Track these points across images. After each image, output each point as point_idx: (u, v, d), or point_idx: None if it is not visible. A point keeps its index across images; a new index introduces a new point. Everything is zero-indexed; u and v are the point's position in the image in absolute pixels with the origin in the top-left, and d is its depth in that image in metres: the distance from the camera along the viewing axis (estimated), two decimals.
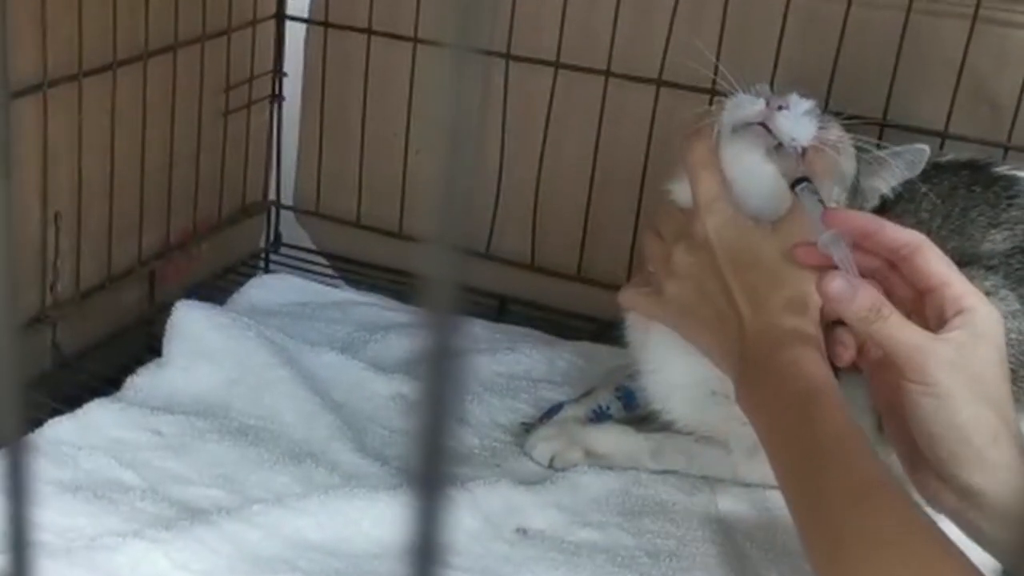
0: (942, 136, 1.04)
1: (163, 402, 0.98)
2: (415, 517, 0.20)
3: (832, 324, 0.80)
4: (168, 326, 1.03)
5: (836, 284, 0.73)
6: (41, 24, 0.96)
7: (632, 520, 0.90)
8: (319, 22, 1.28)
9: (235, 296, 1.20)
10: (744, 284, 0.81)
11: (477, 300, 1.24)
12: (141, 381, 1.00)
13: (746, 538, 0.89)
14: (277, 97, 1.32)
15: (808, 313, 0.79)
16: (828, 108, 0.93)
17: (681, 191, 0.89)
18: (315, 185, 1.33)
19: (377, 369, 1.06)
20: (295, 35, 1.31)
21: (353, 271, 1.33)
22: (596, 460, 0.96)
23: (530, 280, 1.25)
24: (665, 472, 0.96)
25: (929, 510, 0.75)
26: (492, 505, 0.87)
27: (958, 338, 0.73)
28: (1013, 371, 0.79)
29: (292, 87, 1.32)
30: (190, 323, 1.02)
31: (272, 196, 1.35)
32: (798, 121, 0.84)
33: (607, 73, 1.16)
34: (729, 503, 0.94)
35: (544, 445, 0.97)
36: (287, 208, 1.36)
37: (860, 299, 0.73)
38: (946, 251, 0.81)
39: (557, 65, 1.18)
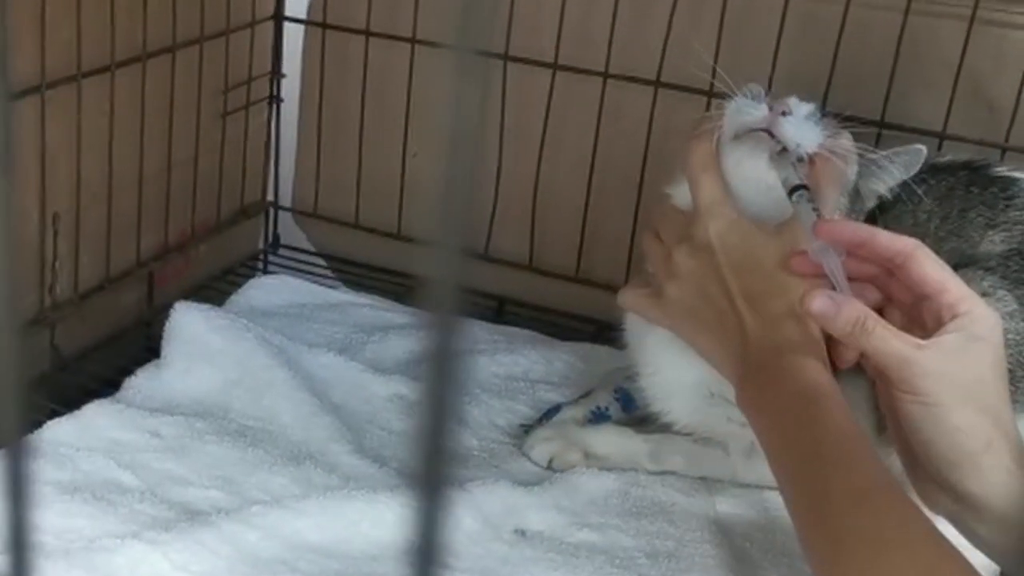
0: (940, 137, 1.04)
1: (162, 403, 0.98)
2: (415, 518, 0.20)
3: None
4: (167, 327, 1.03)
5: (818, 303, 0.74)
6: (40, 26, 0.96)
7: (631, 521, 0.90)
8: (317, 23, 1.28)
9: (233, 297, 1.20)
10: (746, 288, 0.81)
11: (476, 301, 1.24)
12: (140, 382, 1.00)
13: (744, 539, 0.89)
14: (275, 98, 1.32)
15: (809, 319, 0.79)
16: (826, 109, 0.93)
17: (680, 195, 0.89)
18: (313, 186, 1.33)
19: (376, 370, 1.06)
20: (293, 36, 1.31)
21: (351, 272, 1.34)
22: (595, 461, 0.96)
23: (529, 281, 1.25)
24: (664, 473, 0.96)
25: (928, 512, 0.76)
26: (491, 506, 0.87)
27: (948, 343, 0.73)
28: (1011, 372, 0.79)
29: (290, 88, 1.32)
30: (189, 324, 1.02)
31: (270, 197, 1.35)
32: (802, 126, 0.84)
33: (605, 74, 1.16)
34: (727, 504, 0.94)
35: (543, 446, 0.97)
36: (285, 209, 1.36)
37: (844, 315, 0.73)
38: (944, 252, 0.82)
39: (555, 66, 1.18)
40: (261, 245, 1.37)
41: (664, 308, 0.87)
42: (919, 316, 0.77)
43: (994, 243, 0.87)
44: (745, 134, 0.85)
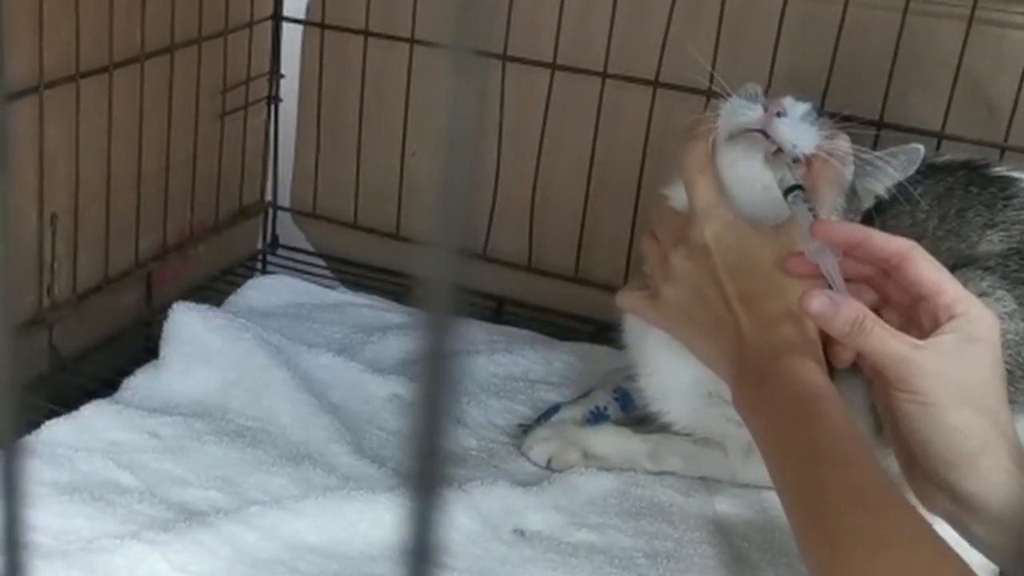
0: (939, 137, 1.04)
1: (160, 404, 0.98)
2: (410, 518, 0.20)
3: None
4: (165, 328, 1.03)
5: (817, 303, 0.74)
6: (38, 26, 0.96)
7: (630, 521, 0.90)
8: (316, 23, 1.28)
9: (232, 298, 1.20)
10: (742, 290, 0.81)
11: (474, 301, 1.24)
12: (138, 383, 1.00)
13: (743, 539, 0.89)
14: (274, 99, 1.32)
15: (806, 320, 0.79)
16: (824, 109, 0.93)
17: (677, 196, 0.89)
18: (312, 187, 1.33)
19: (374, 371, 1.06)
20: (292, 37, 1.31)
21: (350, 272, 1.33)
22: (593, 461, 0.96)
23: (527, 281, 1.25)
24: (662, 473, 0.96)
25: (925, 513, 0.76)
26: (490, 506, 0.87)
27: (945, 344, 0.73)
28: (1010, 372, 0.79)
29: (289, 89, 1.32)
30: (187, 325, 1.02)
31: (269, 198, 1.35)
32: (798, 127, 0.84)
33: (604, 74, 1.16)
34: (726, 504, 0.94)
35: (541, 446, 0.97)
36: (284, 210, 1.36)
37: (842, 315, 0.73)
38: (942, 252, 0.81)
39: (554, 67, 1.18)
40: (260, 245, 1.37)
41: (661, 310, 0.87)
42: (915, 317, 0.77)
43: (993, 243, 0.87)
44: (740, 135, 0.85)
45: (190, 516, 0.82)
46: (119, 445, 0.91)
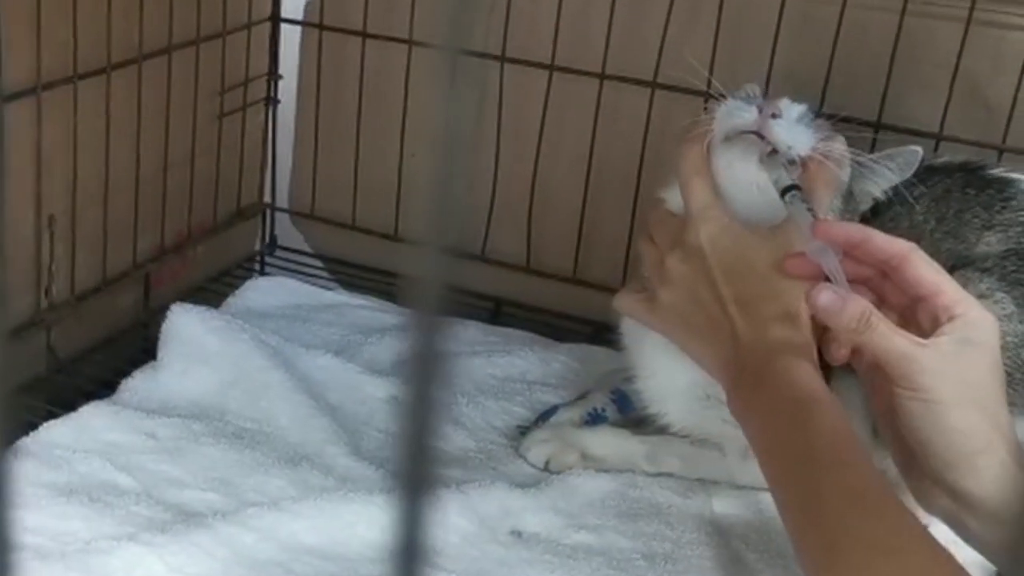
0: (937, 138, 1.04)
1: (158, 405, 0.98)
2: (398, 519, 0.20)
3: (827, 325, 0.80)
4: (163, 329, 1.03)
5: (824, 296, 0.74)
6: (35, 27, 0.96)
7: (628, 523, 0.89)
8: (314, 24, 1.28)
9: (230, 299, 1.20)
10: (737, 293, 0.81)
11: (472, 302, 1.24)
12: (136, 384, 1.00)
13: (741, 540, 0.89)
14: (272, 100, 1.32)
15: (801, 322, 0.79)
16: (823, 110, 0.93)
17: (674, 198, 0.89)
18: (310, 188, 1.33)
19: (372, 372, 1.06)
20: (290, 38, 1.31)
21: (348, 274, 1.33)
22: (591, 463, 0.96)
23: (525, 282, 1.25)
24: (660, 475, 0.96)
25: (922, 513, 0.75)
26: (487, 508, 0.87)
27: (947, 344, 0.73)
28: (1008, 374, 0.79)
29: (287, 90, 1.32)
30: (185, 326, 1.02)
31: (267, 199, 1.35)
32: (793, 128, 0.84)
33: (602, 75, 1.16)
34: (724, 505, 0.94)
35: (539, 448, 0.97)
36: (282, 211, 1.36)
37: (849, 310, 0.74)
38: (941, 253, 0.81)
39: (552, 67, 1.18)
40: (258, 246, 1.37)
41: (657, 313, 0.87)
42: (913, 319, 0.77)
43: (991, 244, 0.87)
44: (736, 137, 0.85)
45: (187, 517, 0.82)
46: (117, 446, 0.91)
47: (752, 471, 0.88)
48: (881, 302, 0.80)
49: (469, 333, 1.17)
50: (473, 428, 1.02)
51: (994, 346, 0.74)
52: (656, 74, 1.13)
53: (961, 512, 0.73)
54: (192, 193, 1.21)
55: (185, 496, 0.86)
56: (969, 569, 0.66)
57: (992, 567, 0.75)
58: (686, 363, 0.88)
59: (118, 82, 1.06)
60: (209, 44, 1.18)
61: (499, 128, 1.21)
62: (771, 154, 0.84)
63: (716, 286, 0.82)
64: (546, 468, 0.96)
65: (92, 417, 0.93)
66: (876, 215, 0.89)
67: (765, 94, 0.92)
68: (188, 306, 1.05)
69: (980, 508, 0.72)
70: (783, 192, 0.82)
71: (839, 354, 0.80)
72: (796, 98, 0.87)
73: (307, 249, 1.37)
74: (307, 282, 1.29)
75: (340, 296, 1.27)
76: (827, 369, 0.80)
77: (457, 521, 0.85)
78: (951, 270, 0.80)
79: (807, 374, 0.76)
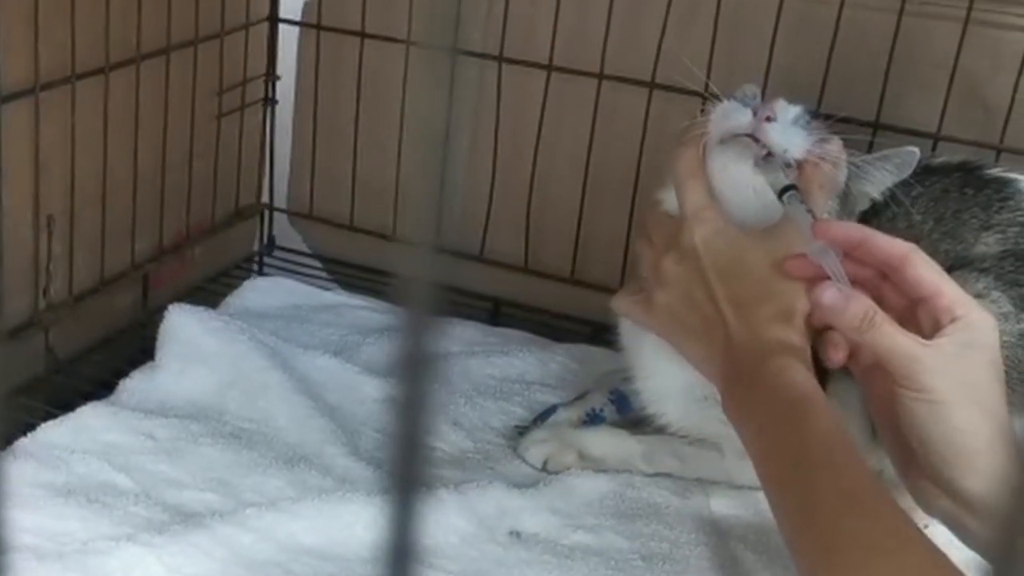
0: (935, 138, 1.04)
1: (156, 406, 0.98)
2: (391, 518, 0.20)
3: (823, 328, 0.80)
4: (161, 330, 1.02)
5: (829, 294, 0.75)
6: (33, 28, 0.96)
7: (626, 523, 0.90)
8: (312, 25, 1.28)
9: (228, 299, 1.19)
10: (731, 294, 0.81)
11: (471, 303, 1.24)
12: (134, 385, 1.00)
13: (739, 541, 0.89)
14: (270, 100, 1.32)
15: (794, 323, 0.80)
16: (821, 110, 0.93)
17: (671, 200, 0.89)
18: (308, 188, 1.33)
19: (370, 372, 1.06)
20: (288, 38, 1.31)
21: (347, 274, 1.33)
22: (590, 463, 0.96)
23: (524, 283, 1.25)
24: (658, 475, 0.96)
25: (921, 514, 0.75)
26: (485, 508, 0.87)
27: (949, 345, 0.73)
28: (1007, 373, 0.79)
29: (285, 90, 1.32)
30: (183, 327, 1.02)
31: (265, 199, 1.35)
32: (788, 131, 0.84)
33: (600, 76, 1.16)
34: (722, 506, 0.94)
35: (537, 448, 0.97)
36: (280, 211, 1.36)
37: (853, 308, 0.74)
38: (938, 254, 0.81)
39: (550, 68, 1.18)
40: (256, 247, 1.37)
41: (653, 314, 0.87)
42: (912, 319, 0.77)
43: (988, 245, 0.87)
44: (731, 139, 0.85)
45: (186, 518, 0.82)
46: (115, 447, 0.91)
47: (750, 471, 0.88)
48: (880, 303, 0.80)
49: (467, 333, 1.17)
50: (471, 428, 1.02)
51: (995, 348, 0.74)
52: (654, 74, 1.13)
53: (960, 512, 0.73)
54: (190, 193, 1.21)
55: (183, 496, 0.86)
56: (964, 570, 0.66)
57: (989, 567, 0.75)
58: (684, 364, 0.88)
59: (116, 82, 1.06)
60: (207, 44, 1.18)
61: (497, 128, 1.21)
62: (766, 157, 0.84)
63: (710, 287, 0.82)
64: (544, 468, 0.96)
65: (90, 417, 0.93)
66: (874, 215, 0.89)
67: (763, 94, 0.92)
68: (186, 306, 1.05)
69: (980, 508, 0.72)
70: (780, 193, 0.82)
71: (836, 357, 0.80)
72: (794, 99, 0.87)
73: (305, 249, 1.37)
74: (305, 282, 1.29)
75: (338, 296, 1.27)
76: (823, 371, 0.80)
77: (455, 521, 0.85)
78: (949, 270, 0.80)
79: (800, 374, 0.76)
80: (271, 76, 1.31)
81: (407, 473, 0.20)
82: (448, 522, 0.85)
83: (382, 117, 1.26)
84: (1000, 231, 0.88)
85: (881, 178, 0.88)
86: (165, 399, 0.99)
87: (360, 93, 1.27)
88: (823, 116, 0.88)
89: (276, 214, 1.36)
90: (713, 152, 0.85)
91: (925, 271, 0.76)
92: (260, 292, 1.22)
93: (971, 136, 1.04)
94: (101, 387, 1.01)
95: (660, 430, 0.96)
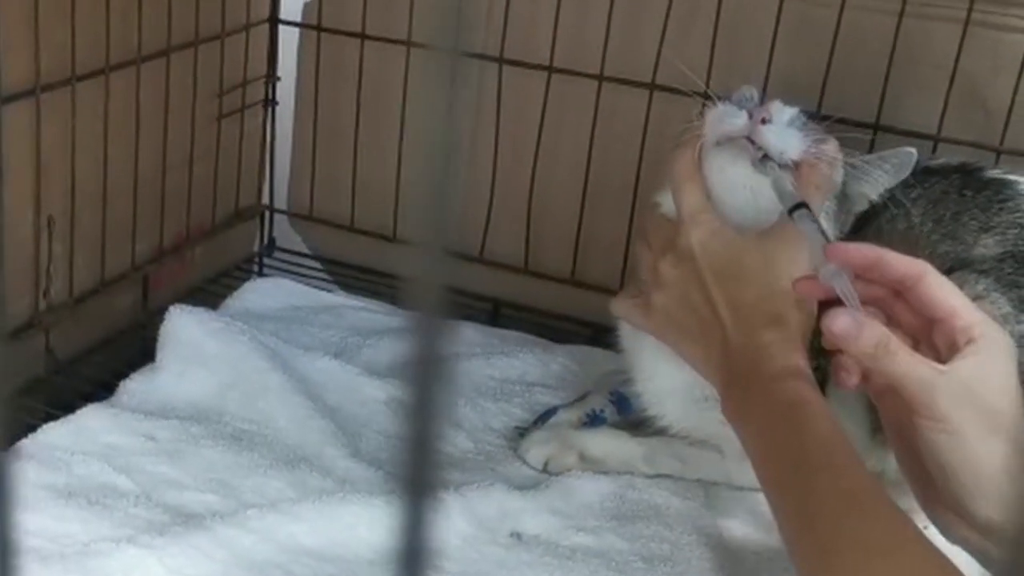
0: (935, 140, 1.04)
1: (157, 407, 0.98)
2: (402, 522, 0.20)
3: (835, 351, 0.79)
4: (162, 331, 1.02)
5: (841, 321, 0.71)
6: (34, 29, 0.96)
7: (626, 525, 0.90)
8: (312, 26, 1.28)
9: (229, 301, 1.19)
10: (728, 296, 0.81)
11: (471, 304, 1.24)
12: (135, 386, 1.00)
13: (740, 542, 0.89)
14: (270, 101, 1.32)
15: (791, 325, 0.79)
16: (821, 112, 0.93)
17: (669, 202, 0.89)
18: (309, 189, 1.33)
19: (371, 374, 1.06)
20: (288, 39, 1.31)
21: (347, 275, 1.33)
22: (590, 464, 0.96)
23: (524, 284, 1.25)
24: (659, 476, 0.96)
25: (922, 515, 0.75)
26: (486, 509, 0.87)
27: (967, 369, 0.71)
28: None
29: (285, 91, 1.32)
30: (184, 328, 1.02)
31: (266, 200, 1.35)
32: (784, 133, 0.84)
33: (600, 77, 1.16)
34: (723, 507, 0.94)
35: (538, 449, 0.97)
36: (281, 212, 1.36)
37: (866, 336, 0.71)
38: (937, 255, 0.81)
39: (550, 69, 1.18)
40: (256, 248, 1.37)
41: (651, 316, 0.87)
42: (927, 339, 0.75)
43: (988, 246, 0.87)
44: (727, 142, 0.85)
45: (186, 519, 0.82)
46: (115, 448, 0.91)
47: (750, 473, 0.88)
48: (893, 324, 0.76)
49: (467, 334, 1.17)
50: (472, 429, 1.02)
51: (1012, 367, 0.72)
52: (654, 76, 1.13)
53: (986, 543, 0.71)
54: (191, 195, 1.21)
55: (184, 498, 0.86)
56: (965, 571, 0.65)
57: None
58: (684, 365, 0.88)
59: (116, 84, 1.06)
60: (207, 46, 1.18)
61: (497, 130, 1.21)
62: (763, 159, 0.84)
63: (707, 289, 0.82)
64: (545, 470, 0.96)
65: (91, 419, 0.93)
66: (874, 217, 0.89)
67: (763, 96, 0.92)
68: (186, 308, 1.05)
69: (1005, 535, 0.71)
70: (791, 210, 0.81)
71: (849, 382, 0.76)
72: (794, 100, 0.87)
73: (305, 251, 1.37)
74: (305, 284, 1.29)
75: (339, 298, 1.27)
76: (825, 376, 0.80)
77: (456, 523, 0.85)
78: (948, 272, 0.79)
79: (798, 375, 0.76)
80: (271, 77, 1.31)
81: (417, 477, 0.20)
82: (449, 523, 0.85)
83: (382, 118, 1.26)
84: (999, 233, 0.88)
85: (878, 179, 0.88)
86: (165, 400, 0.99)
87: (360, 94, 1.27)
88: (821, 117, 0.88)
89: (276, 215, 1.36)
90: (709, 155, 0.85)
91: (940, 291, 0.73)
92: (260, 293, 1.22)
93: (971, 138, 1.04)
94: (101, 388, 1.01)
95: (660, 431, 0.96)
